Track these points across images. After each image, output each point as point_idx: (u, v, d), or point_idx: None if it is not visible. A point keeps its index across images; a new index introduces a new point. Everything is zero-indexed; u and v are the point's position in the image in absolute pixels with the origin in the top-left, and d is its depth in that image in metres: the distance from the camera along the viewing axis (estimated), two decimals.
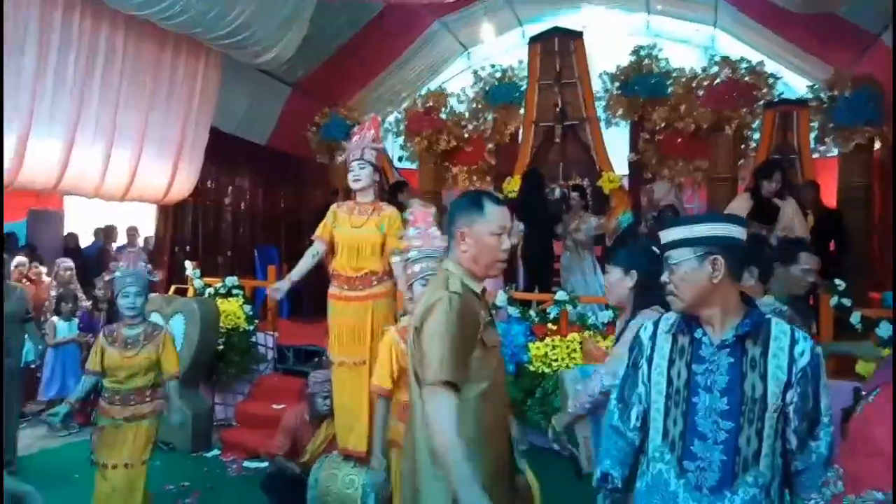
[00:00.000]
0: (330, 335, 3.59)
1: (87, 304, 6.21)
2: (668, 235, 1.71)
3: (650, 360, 1.75)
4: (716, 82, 6.94)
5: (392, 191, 7.05)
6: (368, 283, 3.51)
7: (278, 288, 3.65)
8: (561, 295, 4.92)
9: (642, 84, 7.27)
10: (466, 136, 8.28)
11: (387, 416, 2.91)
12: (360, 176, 3.57)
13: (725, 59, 7.09)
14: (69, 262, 6.45)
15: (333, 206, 3.73)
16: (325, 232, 3.68)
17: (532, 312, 5.10)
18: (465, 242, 1.86)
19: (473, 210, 1.87)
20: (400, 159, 8.77)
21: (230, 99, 7.54)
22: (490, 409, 1.81)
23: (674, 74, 7.32)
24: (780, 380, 1.57)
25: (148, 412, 3.41)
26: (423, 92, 8.64)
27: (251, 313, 6.01)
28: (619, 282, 2.34)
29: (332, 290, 3.60)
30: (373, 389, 3.01)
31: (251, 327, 5.91)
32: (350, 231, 3.56)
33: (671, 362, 1.70)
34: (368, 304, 3.49)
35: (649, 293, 2.18)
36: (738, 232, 1.66)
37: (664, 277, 1.71)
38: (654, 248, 2.02)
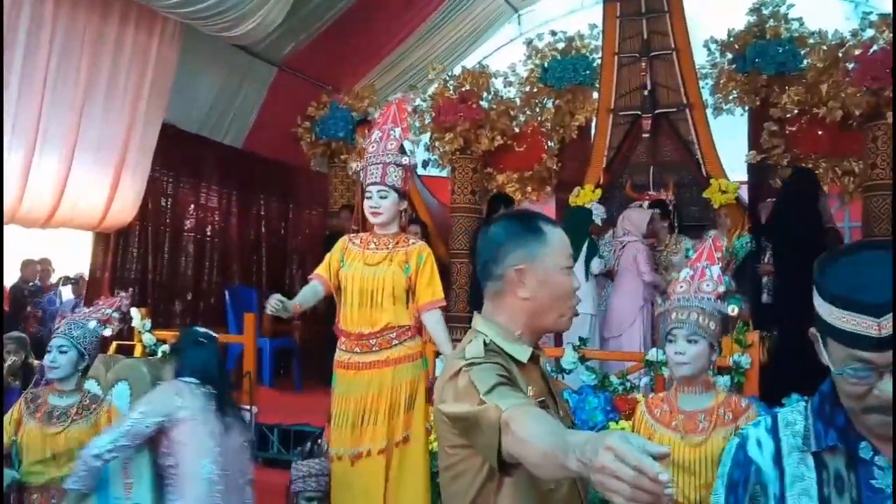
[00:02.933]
0: (332, 417, 3.62)
1: None
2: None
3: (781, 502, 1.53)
4: (871, 50, 6.88)
5: (492, 206, 7.24)
6: (387, 343, 3.55)
7: (281, 308, 3.56)
8: (654, 354, 4.88)
9: (766, 55, 7.24)
10: (517, 130, 8.34)
11: None
12: (379, 207, 3.64)
13: (884, 17, 7.04)
14: None
15: (344, 238, 3.80)
16: (333, 275, 3.70)
17: (614, 378, 5.06)
18: (525, 286, 1.79)
19: (531, 235, 1.81)
20: (425, 165, 8.86)
21: (194, 86, 7.75)
22: None
23: (810, 41, 7.28)
24: None
25: None
26: (457, 71, 8.76)
27: None
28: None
29: (338, 355, 3.64)
30: None
31: None
32: (363, 270, 3.61)
33: None
34: (387, 372, 3.54)
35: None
36: None
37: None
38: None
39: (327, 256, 3.78)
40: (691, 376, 2.84)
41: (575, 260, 6.71)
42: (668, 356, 2.92)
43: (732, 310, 4.72)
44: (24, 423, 3.49)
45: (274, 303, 3.57)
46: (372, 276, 3.58)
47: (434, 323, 3.61)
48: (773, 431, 1.59)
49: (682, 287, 2.95)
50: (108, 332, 3.80)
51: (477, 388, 1.61)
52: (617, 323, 6.56)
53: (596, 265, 6.61)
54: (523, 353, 1.80)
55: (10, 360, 6.06)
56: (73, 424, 3.48)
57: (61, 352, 3.53)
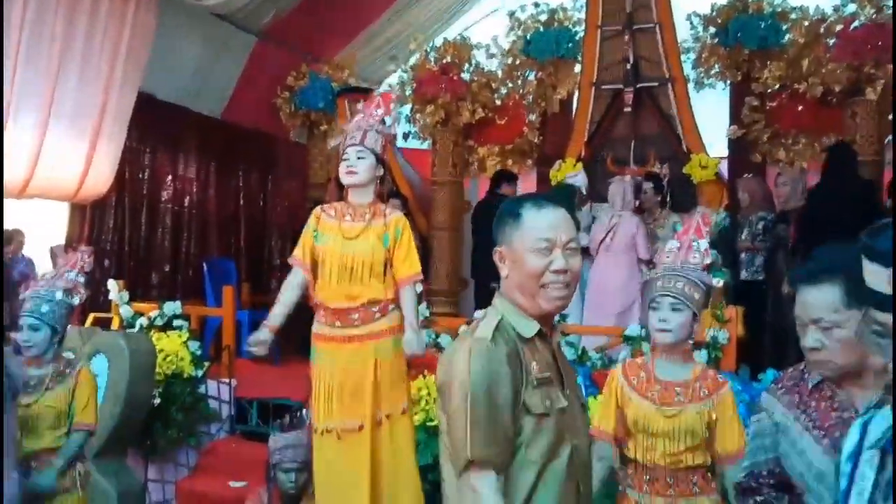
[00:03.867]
0: (313, 390, 3.62)
1: None
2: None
3: None
4: (853, 26, 6.91)
5: (495, 182, 7.30)
6: (369, 318, 3.54)
7: (260, 340, 3.66)
8: (633, 329, 4.92)
9: (748, 29, 7.26)
10: (499, 103, 8.33)
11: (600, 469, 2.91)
12: (355, 167, 3.60)
13: None
14: None
15: (317, 210, 3.77)
16: (308, 252, 3.70)
17: (592, 353, 5.10)
18: (505, 265, 1.96)
19: (508, 220, 1.96)
20: (406, 137, 8.83)
21: (172, 56, 7.65)
22: (561, 496, 1.87)
23: (792, 16, 7.30)
24: None
25: (70, 484, 3.50)
26: (438, 42, 8.70)
27: (199, 353, 6.08)
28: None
29: (317, 328, 3.62)
30: (594, 433, 3.01)
31: (199, 373, 5.98)
32: (341, 244, 3.58)
33: None
34: (369, 345, 3.53)
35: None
36: None
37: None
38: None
39: (302, 234, 3.75)
40: (672, 345, 2.87)
41: None
42: (650, 324, 2.95)
43: (718, 282, 4.77)
44: None
45: (258, 350, 3.65)
46: (352, 250, 3.56)
47: (409, 297, 3.63)
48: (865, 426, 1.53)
49: (668, 257, 2.97)
50: (76, 301, 3.76)
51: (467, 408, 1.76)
52: (619, 301, 6.35)
53: (583, 239, 6.58)
54: (529, 328, 1.91)
55: None
56: (46, 392, 3.49)
57: (33, 329, 3.52)
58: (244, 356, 7.15)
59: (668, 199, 6.83)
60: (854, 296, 1.73)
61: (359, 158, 3.60)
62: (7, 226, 8.62)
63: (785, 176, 6.72)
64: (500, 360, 1.82)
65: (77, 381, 3.56)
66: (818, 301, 1.92)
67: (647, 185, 6.78)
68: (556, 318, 5.11)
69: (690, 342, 2.98)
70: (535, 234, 1.90)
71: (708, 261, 2.91)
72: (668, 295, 2.84)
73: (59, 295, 3.64)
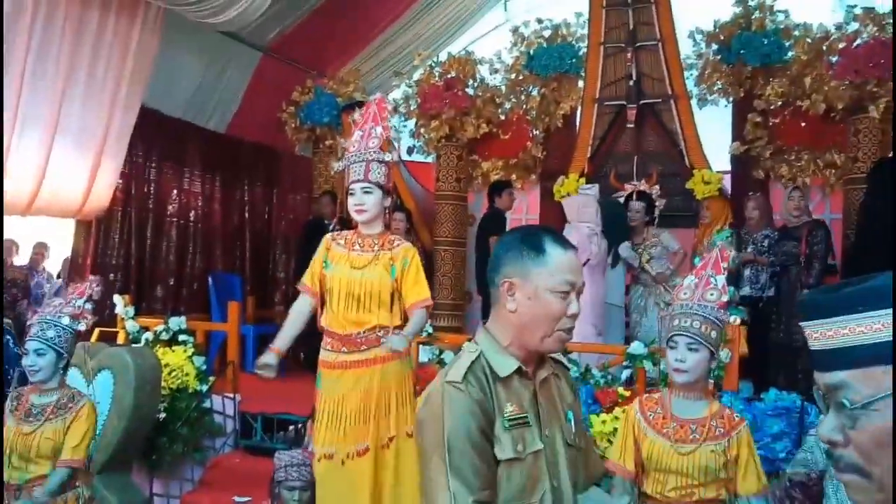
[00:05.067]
0: (316, 416, 3.64)
1: None
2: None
3: None
4: (855, 43, 6.95)
5: (490, 196, 7.40)
6: (375, 342, 3.56)
7: (268, 364, 3.66)
8: (636, 347, 4.94)
9: (751, 46, 7.31)
10: (503, 118, 8.39)
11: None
12: (363, 204, 3.62)
13: (869, 10, 7.10)
14: None
15: (327, 239, 3.80)
16: (317, 280, 3.72)
17: (595, 371, 5.13)
18: (514, 299, 1.84)
19: (529, 252, 1.84)
20: (410, 151, 8.89)
21: (177, 71, 7.72)
22: None
23: (795, 33, 7.35)
24: None
25: None
26: (443, 57, 8.76)
27: (204, 368, 6.10)
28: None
29: (324, 355, 3.64)
30: (614, 468, 3.03)
31: (204, 387, 6.00)
32: (349, 274, 3.61)
33: None
34: (375, 370, 3.54)
35: None
36: None
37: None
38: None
39: (312, 261, 3.78)
40: (689, 384, 2.89)
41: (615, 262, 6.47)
42: (668, 362, 2.96)
43: (735, 320, 4.78)
44: (6, 421, 3.52)
45: (265, 372, 3.63)
46: (359, 279, 3.58)
47: (416, 317, 3.62)
48: None
49: (685, 294, 2.97)
50: (82, 328, 3.80)
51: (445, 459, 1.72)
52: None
53: (625, 250, 6.53)
54: (506, 366, 1.84)
55: None
56: (46, 423, 3.50)
57: (39, 354, 3.54)
58: (249, 371, 7.21)
59: (655, 217, 6.82)
60: None
61: (365, 193, 3.63)
62: (19, 240, 8.73)
63: (800, 191, 6.69)
64: (472, 403, 1.76)
65: (76, 415, 3.54)
66: None
67: (639, 205, 6.72)
68: None
69: (709, 380, 2.99)
70: (561, 275, 1.82)
71: (725, 298, 2.91)
72: (684, 335, 2.86)
73: (65, 321, 3.68)
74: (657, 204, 6.84)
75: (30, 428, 3.49)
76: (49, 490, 3.46)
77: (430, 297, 3.67)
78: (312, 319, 3.78)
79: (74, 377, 5.15)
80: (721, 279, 2.97)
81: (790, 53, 7.31)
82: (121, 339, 6.38)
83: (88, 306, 3.83)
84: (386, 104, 3.94)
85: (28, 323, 3.69)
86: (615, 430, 4.68)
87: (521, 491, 1.78)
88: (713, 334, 2.84)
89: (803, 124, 7.27)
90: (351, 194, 3.66)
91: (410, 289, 3.58)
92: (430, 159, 8.80)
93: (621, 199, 6.97)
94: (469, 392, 1.76)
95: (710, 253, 3.14)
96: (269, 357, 3.68)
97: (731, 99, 7.62)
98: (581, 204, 6.57)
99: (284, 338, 3.75)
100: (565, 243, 1.88)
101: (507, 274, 1.85)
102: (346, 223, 5.87)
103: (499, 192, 7.37)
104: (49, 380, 3.57)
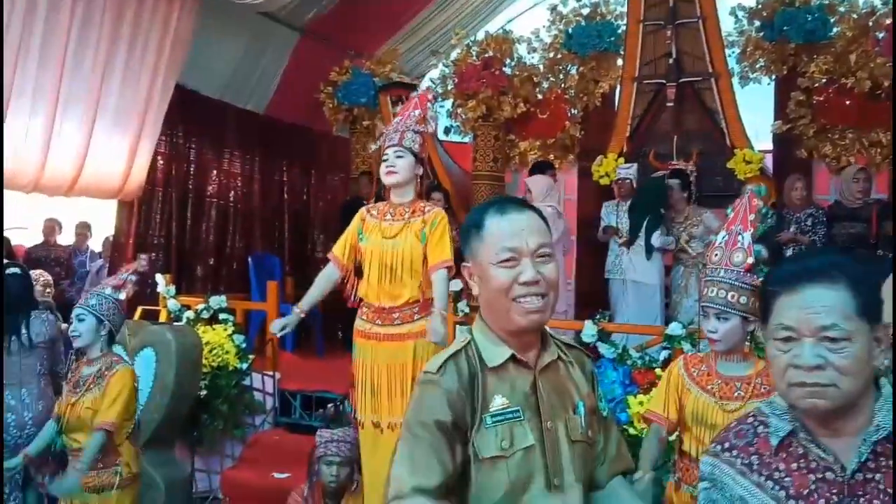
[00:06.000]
0: (356, 384, 3.71)
1: None
2: None
3: None
4: None
5: (532, 173, 7.29)
6: (409, 317, 3.61)
7: (284, 324, 3.78)
8: (674, 328, 4.92)
9: (795, 23, 7.17)
10: (540, 97, 8.33)
11: (656, 447, 2.96)
12: (395, 166, 3.67)
13: None
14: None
15: (362, 211, 3.84)
16: (347, 251, 3.80)
17: (633, 352, 5.11)
18: (475, 283, 1.78)
19: (473, 231, 1.76)
20: (447, 131, 8.88)
21: (216, 52, 7.78)
22: None
23: (840, 9, 7.20)
24: None
25: (107, 482, 3.59)
26: (480, 36, 8.72)
27: (244, 346, 6.20)
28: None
29: (359, 324, 3.72)
30: (649, 416, 3.08)
31: (244, 365, 6.10)
32: (381, 244, 3.66)
33: None
34: (409, 344, 3.60)
35: None
36: None
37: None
38: None
39: (346, 231, 3.84)
40: (725, 351, 2.91)
41: (636, 233, 6.51)
42: (703, 330, 3.00)
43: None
44: (63, 392, 3.66)
45: (276, 329, 3.88)
46: (391, 249, 3.64)
47: (438, 281, 3.61)
48: None
49: (716, 255, 2.97)
50: (122, 297, 3.87)
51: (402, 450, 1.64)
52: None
53: (657, 240, 6.52)
54: (497, 355, 1.73)
55: None
56: (87, 393, 3.59)
57: (80, 320, 3.66)
58: (288, 349, 7.31)
59: (693, 195, 6.76)
60: (863, 306, 1.44)
61: (397, 157, 3.68)
62: (62, 219, 8.88)
63: (866, 171, 6.53)
64: (441, 395, 1.66)
65: (108, 381, 3.58)
66: (831, 303, 1.43)
67: (674, 182, 6.70)
68: (597, 316, 5.11)
69: (747, 343, 2.97)
70: (500, 244, 1.69)
71: (751, 261, 2.90)
72: (712, 305, 2.87)
73: (107, 290, 3.79)
74: (692, 180, 6.78)
75: (74, 398, 3.59)
76: (87, 457, 3.50)
77: (451, 258, 3.65)
78: (344, 296, 3.85)
79: (119, 353, 5.25)
80: (747, 237, 2.94)
81: (835, 30, 7.15)
82: (163, 317, 6.49)
83: (133, 278, 3.92)
84: (429, 98, 3.98)
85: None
86: None
87: (510, 489, 1.65)
88: (742, 300, 2.83)
89: (848, 102, 7.11)
90: (384, 159, 3.70)
91: (433, 249, 3.61)
92: (467, 139, 8.77)
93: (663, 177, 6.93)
94: (440, 383, 1.67)
95: (740, 199, 3.09)
96: (288, 318, 3.90)
97: (773, 77, 7.48)
98: (549, 185, 6.80)
99: (309, 300, 3.91)
100: (507, 209, 1.74)
101: (466, 259, 1.80)
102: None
103: (541, 172, 7.34)
104: (91, 346, 3.66)
